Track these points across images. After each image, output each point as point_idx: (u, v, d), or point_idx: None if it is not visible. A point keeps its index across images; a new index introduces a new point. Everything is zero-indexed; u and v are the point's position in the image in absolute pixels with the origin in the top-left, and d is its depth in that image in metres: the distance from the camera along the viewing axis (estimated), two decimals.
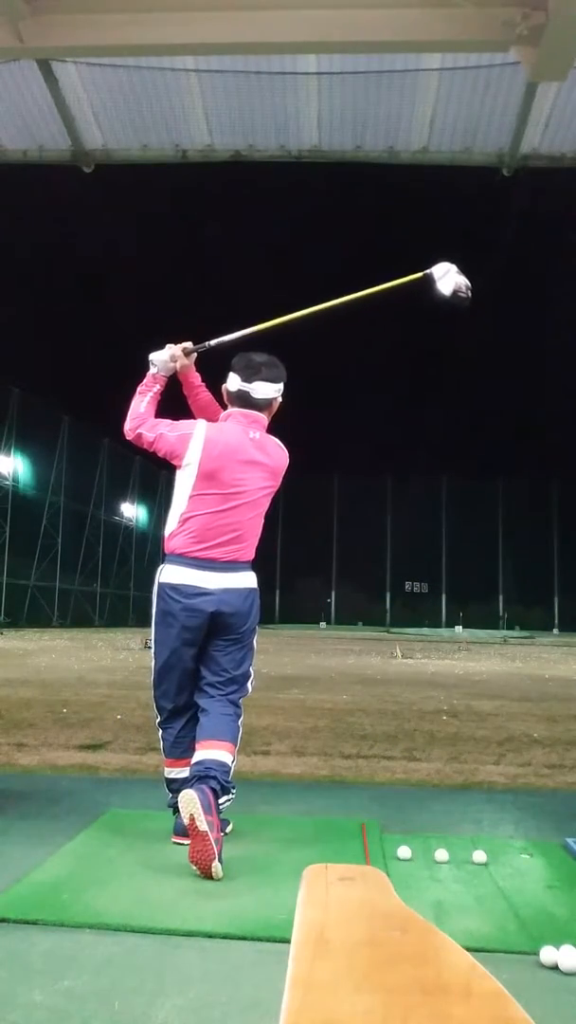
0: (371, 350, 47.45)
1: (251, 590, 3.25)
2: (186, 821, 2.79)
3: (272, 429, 3.37)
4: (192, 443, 3.17)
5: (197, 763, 3.00)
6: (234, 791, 3.08)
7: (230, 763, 3.05)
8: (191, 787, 2.86)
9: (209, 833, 2.74)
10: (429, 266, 3.40)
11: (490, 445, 52.64)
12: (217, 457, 3.16)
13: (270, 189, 28.08)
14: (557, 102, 4.03)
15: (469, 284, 3.36)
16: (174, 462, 3.22)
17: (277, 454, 3.32)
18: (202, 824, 2.74)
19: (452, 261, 3.41)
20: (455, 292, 3.35)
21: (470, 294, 3.35)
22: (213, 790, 2.87)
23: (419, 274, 3.40)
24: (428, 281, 3.39)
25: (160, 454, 3.25)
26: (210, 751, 3.02)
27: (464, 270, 3.38)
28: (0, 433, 31.04)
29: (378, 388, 49.50)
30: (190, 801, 2.79)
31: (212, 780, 2.91)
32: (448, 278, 3.36)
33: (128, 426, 3.28)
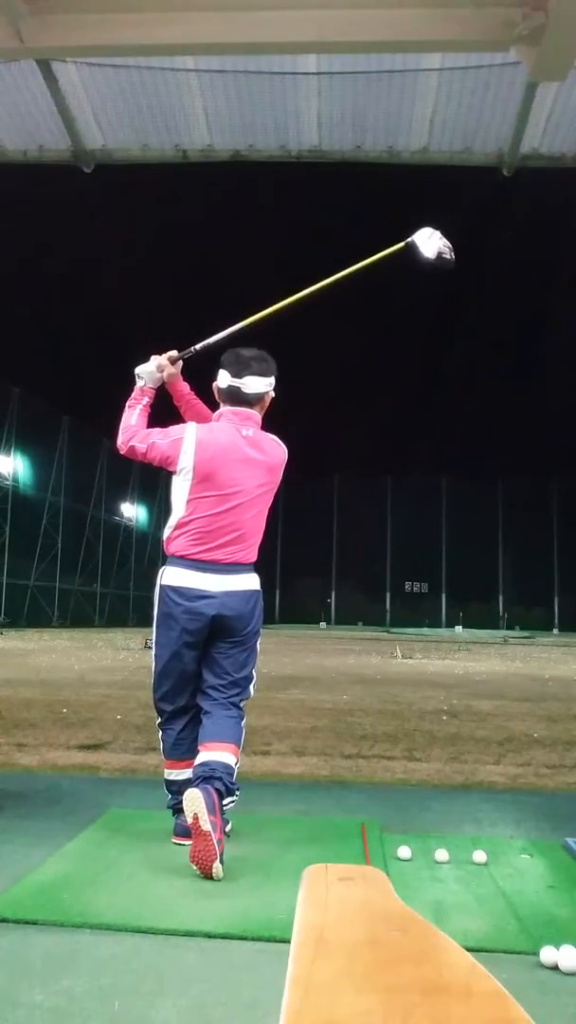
0: (371, 349, 47.47)
1: (254, 592, 3.23)
2: (189, 820, 2.79)
3: (272, 428, 3.34)
4: (184, 447, 3.14)
5: (201, 764, 2.99)
6: (238, 793, 3.07)
7: (234, 765, 3.04)
8: (196, 786, 2.86)
9: (212, 833, 2.73)
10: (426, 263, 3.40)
11: (490, 445, 52.67)
12: (211, 459, 3.13)
13: (271, 188, 28.11)
14: (557, 102, 4.03)
15: (451, 245, 3.39)
16: (169, 468, 3.19)
17: (273, 450, 3.28)
18: (205, 824, 2.74)
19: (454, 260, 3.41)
20: (439, 255, 3.37)
21: (453, 255, 3.38)
22: (218, 791, 2.87)
23: (401, 244, 3.41)
24: (411, 247, 3.39)
25: (155, 463, 3.22)
26: (214, 752, 3.01)
27: (465, 268, 3.39)
28: (0, 433, 31.04)
29: (378, 388, 49.51)
30: (195, 800, 2.78)
31: (217, 781, 2.90)
32: (431, 242, 3.38)
33: (120, 440, 3.26)
